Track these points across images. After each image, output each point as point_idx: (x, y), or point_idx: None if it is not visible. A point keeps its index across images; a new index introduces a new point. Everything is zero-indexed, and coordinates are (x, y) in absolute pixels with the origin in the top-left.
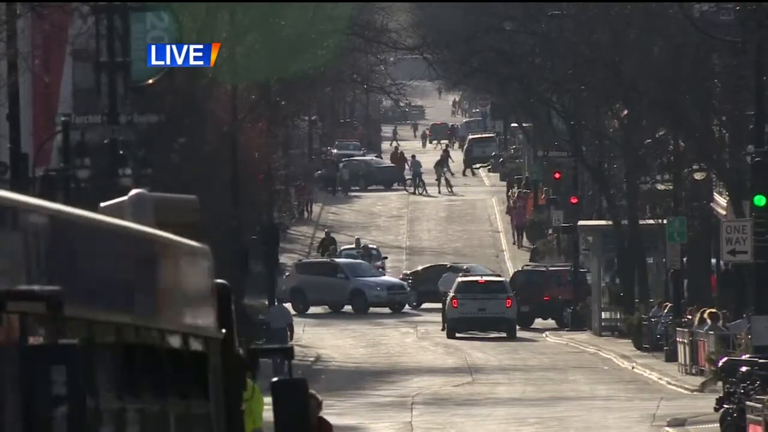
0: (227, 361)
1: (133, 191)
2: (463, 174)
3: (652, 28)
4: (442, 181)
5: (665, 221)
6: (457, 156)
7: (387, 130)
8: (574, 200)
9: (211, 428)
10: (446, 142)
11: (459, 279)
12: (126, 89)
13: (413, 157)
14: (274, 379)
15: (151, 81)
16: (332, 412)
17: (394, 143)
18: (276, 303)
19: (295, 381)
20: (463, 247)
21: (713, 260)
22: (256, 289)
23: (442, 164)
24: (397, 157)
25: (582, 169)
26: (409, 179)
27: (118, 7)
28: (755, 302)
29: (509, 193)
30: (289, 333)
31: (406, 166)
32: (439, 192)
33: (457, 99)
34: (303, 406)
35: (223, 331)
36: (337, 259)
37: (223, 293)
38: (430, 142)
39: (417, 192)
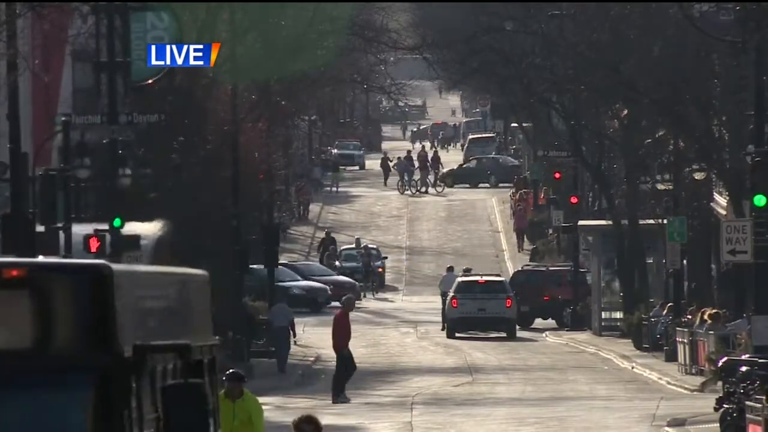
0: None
1: None
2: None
3: (652, 28)
4: (427, 181)
5: (665, 221)
6: (454, 156)
7: (390, 130)
8: (574, 200)
9: None
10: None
11: (459, 279)
12: (126, 89)
13: (398, 158)
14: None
15: (151, 81)
16: (332, 412)
17: (420, 143)
18: (278, 302)
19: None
20: (463, 247)
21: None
22: (256, 289)
23: (425, 167)
24: (424, 156)
25: (582, 169)
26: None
27: (118, 7)
28: (755, 302)
29: (511, 194)
30: (291, 332)
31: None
32: (415, 192)
33: (458, 103)
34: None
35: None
36: None
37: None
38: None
39: (404, 192)
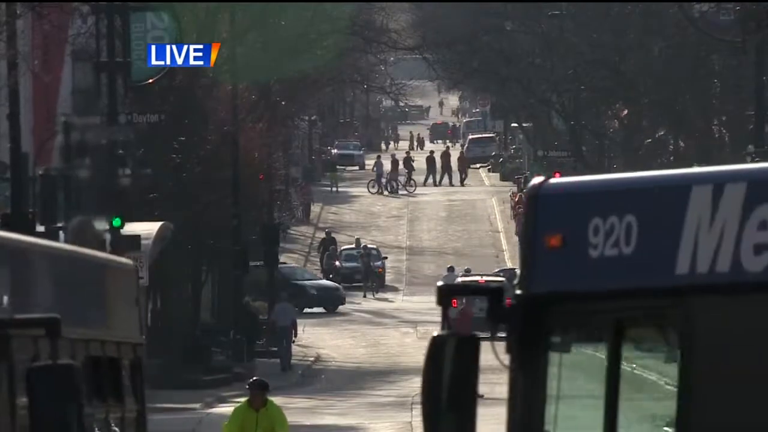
0: None
1: None
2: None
3: (652, 28)
4: (394, 184)
5: None
6: (454, 157)
7: (403, 130)
8: None
9: None
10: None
11: (459, 279)
12: (126, 89)
13: (378, 157)
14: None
15: (151, 81)
16: (332, 412)
17: (448, 142)
18: (280, 302)
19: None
20: (463, 247)
21: None
22: (257, 288)
23: (394, 169)
24: (447, 155)
25: (582, 169)
26: (373, 180)
27: (118, 7)
28: None
29: (511, 195)
30: (293, 331)
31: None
32: (382, 192)
33: (458, 102)
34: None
35: None
36: None
37: None
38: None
39: (383, 192)
